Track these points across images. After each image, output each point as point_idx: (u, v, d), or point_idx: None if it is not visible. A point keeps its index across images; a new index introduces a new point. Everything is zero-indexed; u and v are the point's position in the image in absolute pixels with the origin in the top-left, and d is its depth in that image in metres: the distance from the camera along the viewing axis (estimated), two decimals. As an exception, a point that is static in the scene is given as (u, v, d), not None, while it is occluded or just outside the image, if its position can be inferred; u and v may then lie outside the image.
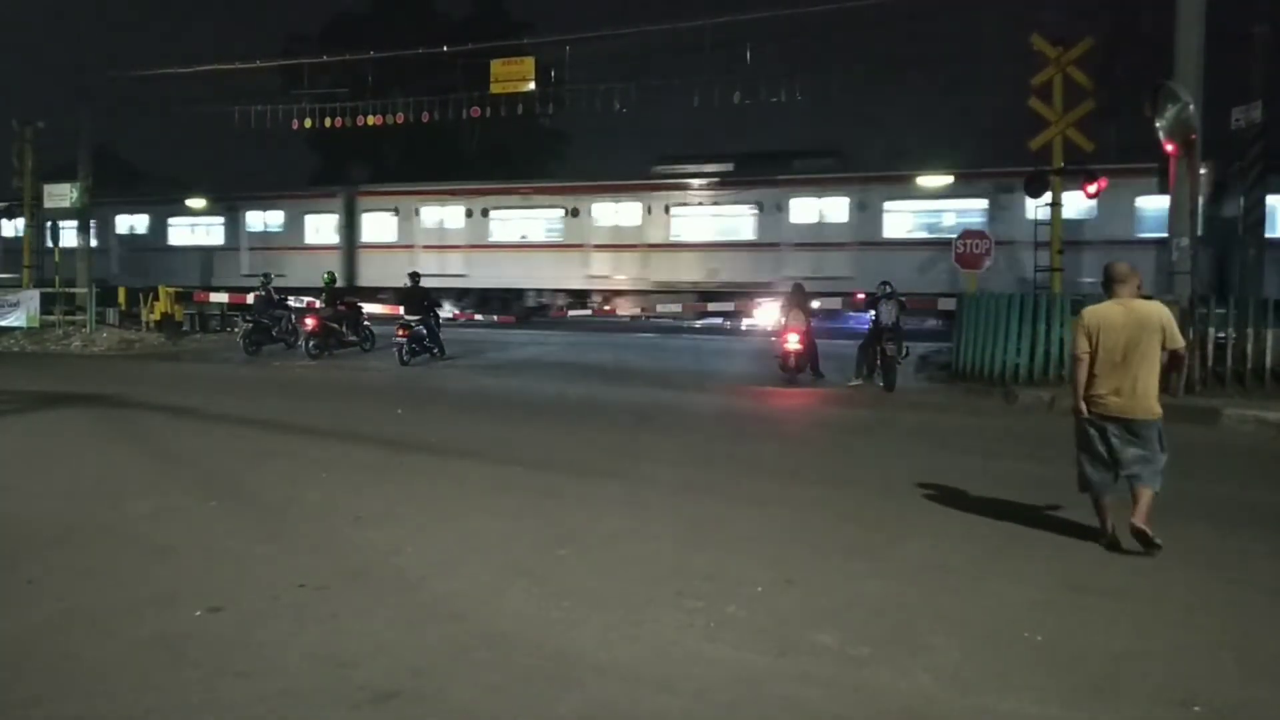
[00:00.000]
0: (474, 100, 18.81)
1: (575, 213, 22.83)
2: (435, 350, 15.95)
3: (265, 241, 26.09)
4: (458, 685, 3.48)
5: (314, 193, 27.20)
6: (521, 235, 23.84)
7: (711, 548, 5.26)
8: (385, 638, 3.91)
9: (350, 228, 25.14)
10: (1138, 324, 5.16)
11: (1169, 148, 11.54)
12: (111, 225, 27.60)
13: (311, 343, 16.05)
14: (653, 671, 3.62)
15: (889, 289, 12.83)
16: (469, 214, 23.92)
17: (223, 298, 21.87)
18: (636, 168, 24.31)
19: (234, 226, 26.54)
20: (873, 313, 12.80)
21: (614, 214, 22.78)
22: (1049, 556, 5.18)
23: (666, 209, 22.15)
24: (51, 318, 20.72)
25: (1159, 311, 5.24)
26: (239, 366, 15.52)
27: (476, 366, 15.45)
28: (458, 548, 5.24)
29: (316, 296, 18.02)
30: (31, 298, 21.02)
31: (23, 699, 3.37)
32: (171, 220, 27.55)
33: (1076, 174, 14.05)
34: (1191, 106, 11.03)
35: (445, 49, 19.28)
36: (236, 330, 18.99)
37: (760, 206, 21.40)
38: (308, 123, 20.01)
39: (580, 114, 19.12)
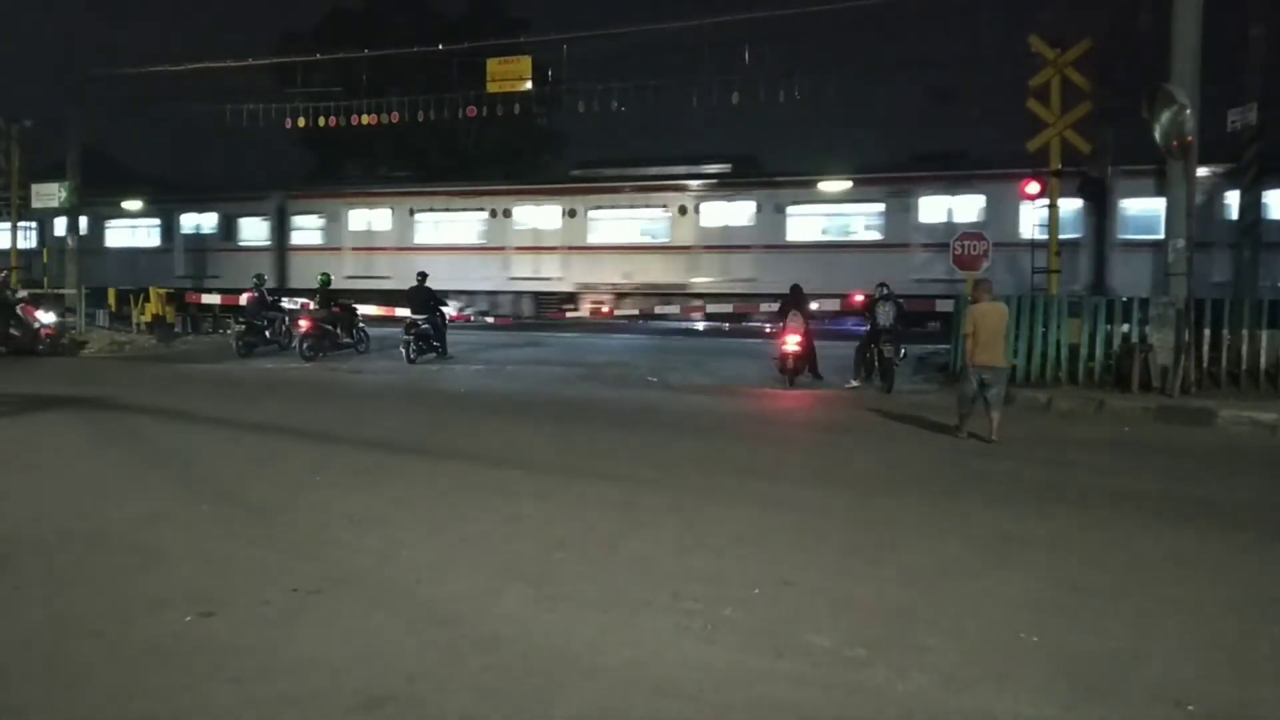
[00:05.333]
0: (470, 99, 18.76)
1: (498, 214, 23.82)
2: (440, 349, 15.98)
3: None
4: (452, 689, 3.45)
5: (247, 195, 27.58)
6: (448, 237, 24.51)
7: (708, 550, 5.23)
8: (379, 642, 3.88)
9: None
10: (999, 316, 8.92)
11: (1165, 150, 11.54)
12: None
13: (305, 344, 15.98)
14: (649, 674, 3.59)
15: (886, 291, 12.83)
16: (395, 217, 24.76)
17: (215, 299, 21.81)
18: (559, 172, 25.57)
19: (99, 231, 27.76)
20: (869, 314, 12.79)
21: (535, 216, 23.62)
22: (1045, 557, 5.18)
23: (580, 212, 23.06)
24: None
25: (1005, 308, 9.16)
26: (232, 368, 15.44)
27: (474, 367, 15.42)
28: (453, 551, 5.21)
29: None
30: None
31: (11, 706, 3.33)
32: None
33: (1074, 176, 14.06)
34: (1188, 109, 11.03)
35: (441, 47, 19.23)
36: (229, 332, 18.90)
37: (673, 210, 22.30)
38: (301, 121, 19.92)
39: (576, 113, 18.99)
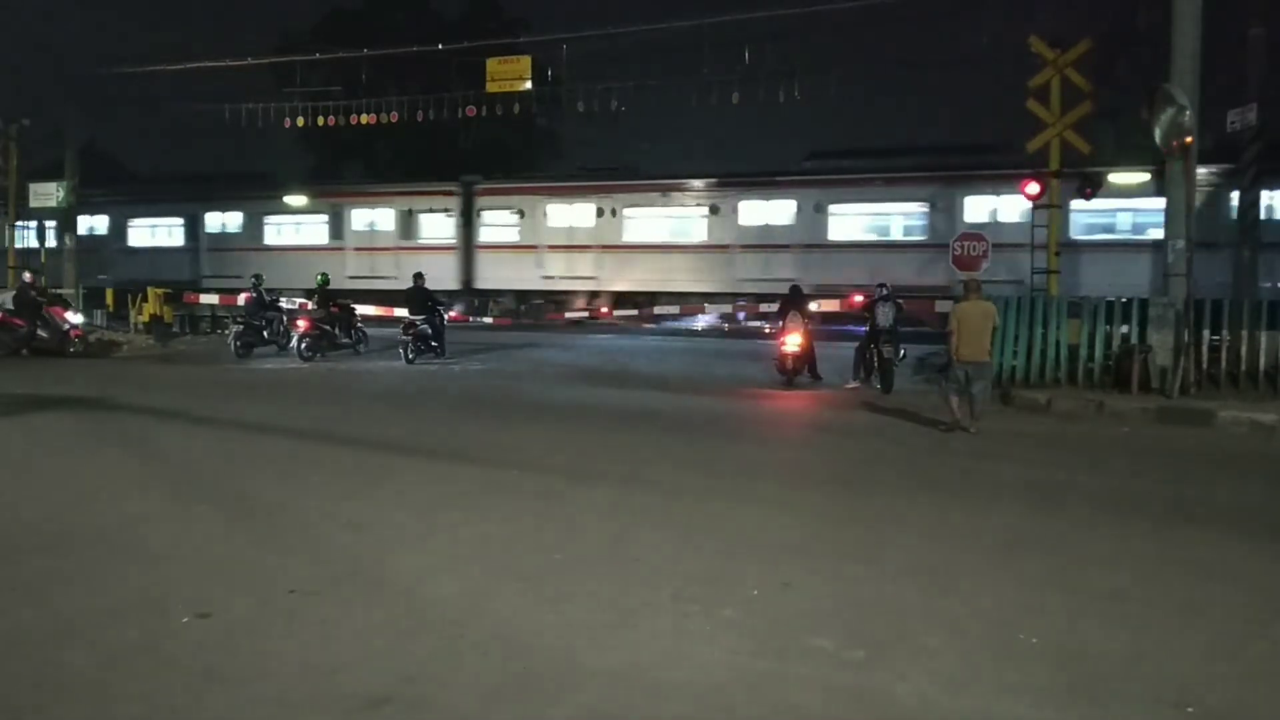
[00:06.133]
0: (469, 99, 18.75)
1: (716, 210, 21.90)
2: (439, 349, 15.98)
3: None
4: (450, 691, 3.44)
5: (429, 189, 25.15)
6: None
7: (708, 551, 5.22)
8: (377, 643, 3.86)
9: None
10: (982, 314, 9.36)
11: (1165, 151, 11.53)
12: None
13: (304, 344, 15.97)
14: (648, 675, 3.58)
15: (885, 291, 12.82)
16: (599, 213, 22.84)
17: (213, 299, 21.77)
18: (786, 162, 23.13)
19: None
20: (869, 315, 12.78)
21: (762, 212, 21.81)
22: (1045, 558, 5.16)
23: (818, 207, 21.03)
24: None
25: (990, 307, 9.57)
26: (229, 369, 15.41)
27: (472, 368, 15.41)
28: (451, 552, 5.19)
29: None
30: None
31: (4, 707, 3.31)
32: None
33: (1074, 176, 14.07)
34: (1188, 110, 11.01)
35: (440, 46, 19.22)
36: (227, 332, 18.86)
37: (932, 204, 20.28)
38: (300, 121, 19.90)
39: (575, 113, 18.95)
